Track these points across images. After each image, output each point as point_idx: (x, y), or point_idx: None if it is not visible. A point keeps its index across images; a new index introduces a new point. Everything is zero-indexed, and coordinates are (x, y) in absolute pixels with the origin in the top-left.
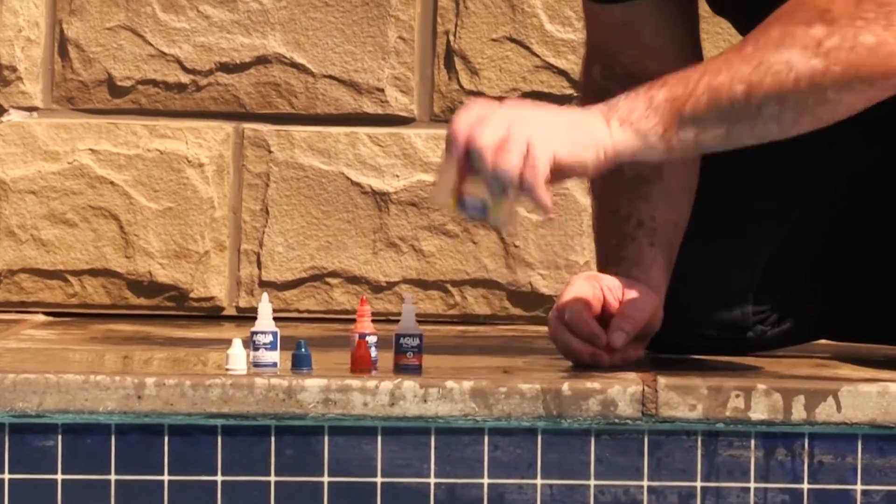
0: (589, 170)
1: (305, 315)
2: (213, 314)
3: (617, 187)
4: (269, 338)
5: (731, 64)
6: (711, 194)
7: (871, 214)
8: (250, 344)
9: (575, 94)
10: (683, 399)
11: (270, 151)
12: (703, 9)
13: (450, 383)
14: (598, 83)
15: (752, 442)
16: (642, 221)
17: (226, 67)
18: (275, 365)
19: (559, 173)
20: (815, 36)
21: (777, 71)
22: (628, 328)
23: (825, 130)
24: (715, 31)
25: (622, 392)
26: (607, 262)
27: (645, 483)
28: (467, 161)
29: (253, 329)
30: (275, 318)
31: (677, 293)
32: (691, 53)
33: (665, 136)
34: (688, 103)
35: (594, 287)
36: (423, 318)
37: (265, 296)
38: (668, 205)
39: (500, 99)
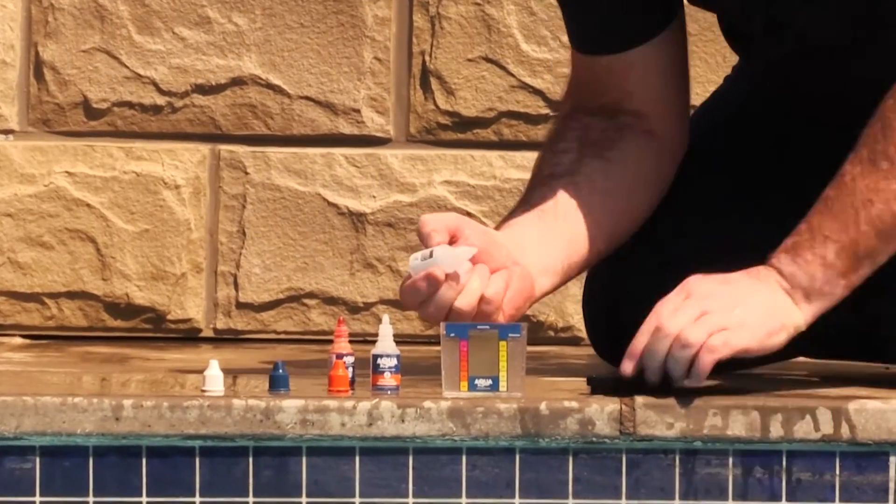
0: (777, 349)
1: (283, 336)
2: (190, 336)
3: (531, 183)
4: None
5: (878, 189)
6: (685, 209)
7: None
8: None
9: (551, 114)
10: (661, 417)
11: (247, 173)
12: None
13: (427, 403)
14: (567, 113)
15: (730, 460)
16: (529, 199)
17: (201, 89)
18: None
19: (741, 358)
20: None
21: None
22: (475, 242)
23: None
24: (690, 51)
25: (600, 411)
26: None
27: (623, 502)
28: (467, 345)
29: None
30: (251, 340)
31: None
32: (674, 94)
33: (847, 284)
34: (860, 245)
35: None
36: (401, 339)
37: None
38: (571, 193)
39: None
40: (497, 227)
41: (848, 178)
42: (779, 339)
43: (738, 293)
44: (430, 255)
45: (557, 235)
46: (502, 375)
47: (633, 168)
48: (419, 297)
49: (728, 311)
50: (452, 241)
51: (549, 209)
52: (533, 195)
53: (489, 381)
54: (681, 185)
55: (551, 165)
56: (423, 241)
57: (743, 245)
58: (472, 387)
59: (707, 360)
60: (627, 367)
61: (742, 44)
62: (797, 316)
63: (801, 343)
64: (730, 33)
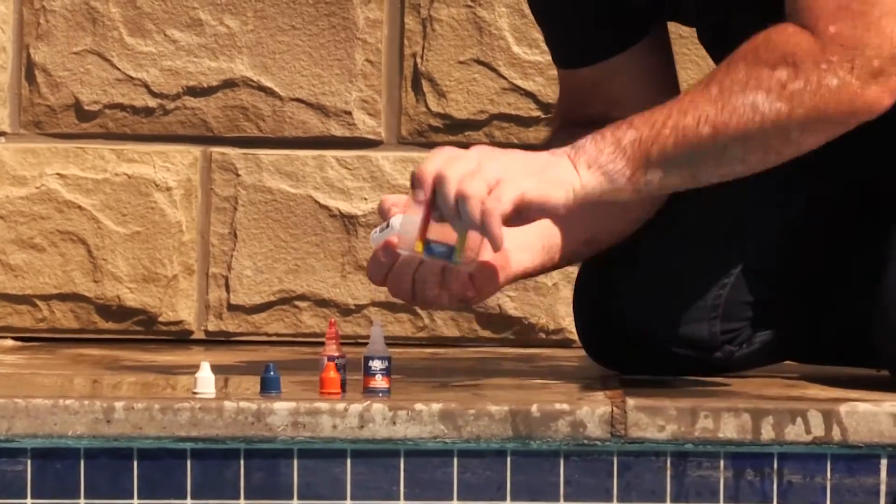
0: (558, 209)
1: (274, 338)
2: (181, 338)
3: None
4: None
5: (697, 105)
6: (676, 213)
7: (834, 238)
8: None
9: (543, 116)
10: (652, 420)
11: (238, 175)
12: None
13: (419, 405)
14: (559, 127)
15: (722, 462)
16: None
17: (193, 91)
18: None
19: (527, 211)
20: (779, 79)
21: (742, 113)
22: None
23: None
24: (682, 53)
25: (591, 413)
26: None
27: None
28: (433, 206)
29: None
30: (243, 342)
31: (644, 307)
32: (661, 99)
33: (632, 178)
34: (655, 145)
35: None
36: (392, 341)
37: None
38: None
39: (466, 146)
40: None
41: (682, 93)
42: (557, 192)
43: (520, 153)
44: (388, 227)
45: (544, 230)
46: (459, 245)
47: None
48: (382, 270)
49: (504, 163)
50: None
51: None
52: None
53: (444, 248)
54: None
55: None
56: (383, 216)
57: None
58: (428, 250)
59: (491, 223)
60: (384, 258)
61: (714, 58)
62: (575, 178)
63: (792, 347)
64: (703, 46)
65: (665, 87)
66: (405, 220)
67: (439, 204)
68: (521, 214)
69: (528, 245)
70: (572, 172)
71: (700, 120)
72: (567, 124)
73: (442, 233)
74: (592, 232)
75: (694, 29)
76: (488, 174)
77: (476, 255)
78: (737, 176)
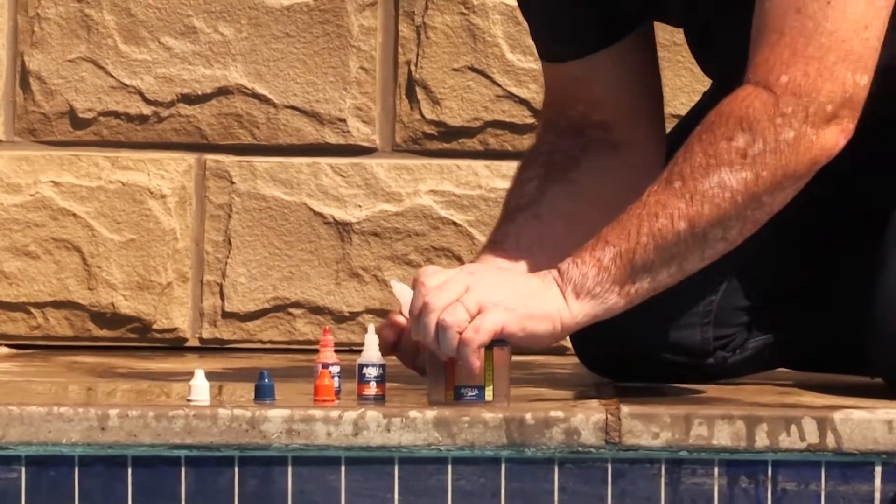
0: (542, 341)
1: (268, 346)
2: (176, 345)
3: (501, 214)
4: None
5: (665, 204)
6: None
7: (827, 244)
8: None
9: (536, 124)
10: (647, 427)
11: (232, 182)
12: (661, 36)
13: (413, 413)
14: (539, 135)
15: (716, 470)
16: (494, 240)
17: (187, 99)
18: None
19: (512, 341)
20: (738, 148)
21: (712, 195)
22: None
23: None
24: (676, 60)
25: (585, 420)
26: None
27: None
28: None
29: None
30: (237, 349)
31: (636, 313)
32: (643, 100)
33: (622, 293)
34: (636, 255)
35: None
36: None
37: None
38: (534, 225)
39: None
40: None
41: (644, 195)
42: (542, 326)
43: (507, 276)
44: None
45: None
46: (488, 385)
47: (597, 185)
48: (387, 345)
49: (490, 288)
50: None
51: (510, 247)
52: (497, 233)
53: (475, 391)
54: None
55: (516, 197)
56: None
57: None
58: (459, 396)
59: (465, 352)
60: (389, 334)
61: (699, 61)
62: (564, 309)
63: (786, 355)
64: (690, 49)
65: (647, 89)
66: (431, 371)
67: (421, 335)
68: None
69: None
70: (561, 303)
71: (673, 218)
72: (548, 131)
73: (469, 376)
74: None
75: (683, 32)
76: (470, 302)
77: (507, 393)
78: (722, 254)
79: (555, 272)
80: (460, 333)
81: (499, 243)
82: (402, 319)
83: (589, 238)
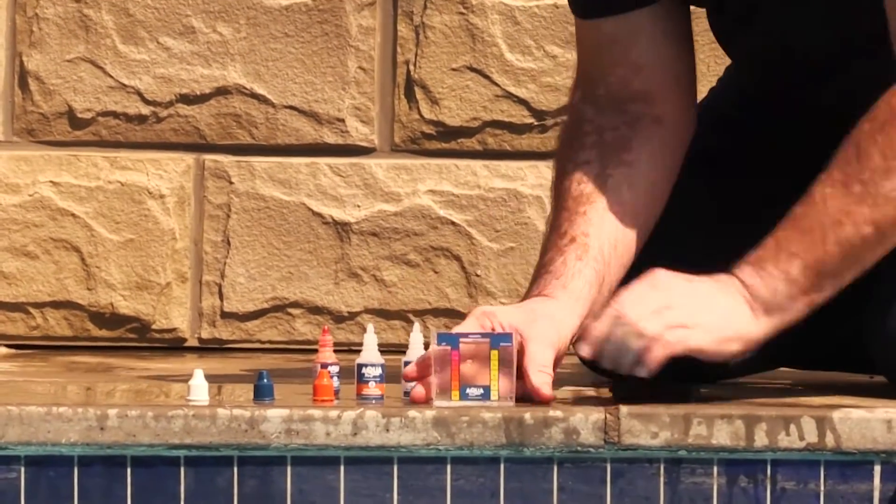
0: (729, 359)
1: (267, 346)
2: (175, 345)
3: (563, 205)
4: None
5: (849, 211)
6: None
7: None
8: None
9: (535, 123)
10: (646, 427)
11: (231, 182)
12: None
13: (412, 412)
14: (576, 107)
15: (715, 469)
16: (575, 237)
17: (186, 99)
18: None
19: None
20: None
21: (894, 197)
22: (546, 370)
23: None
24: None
25: (584, 420)
26: (535, 276)
27: None
28: (459, 353)
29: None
30: (236, 349)
31: None
32: (682, 70)
33: (808, 302)
34: (825, 264)
35: (483, 326)
36: (386, 348)
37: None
38: (607, 223)
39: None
40: (562, 283)
41: (818, 197)
42: (732, 347)
43: (701, 294)
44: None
45: (599, 280)
46: (493, 384)
47: (652, 167)
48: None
49: (689, 308)
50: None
51: (589, 249)
52: (572, 226)
53: (480, 391)
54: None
55: (577, 181)
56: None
57: (725, 253)
58: (464, 396)
59: (658, 353)
60: (584, 349)
61: (730, 43)
62: (754, 328)
63: (785, 354)
64: (717, 31)
65: (686, 57)
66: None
67: (603, 349)
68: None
69: (586, 313)
70: (751, 322)
71: (859, 224)
72: (587, 103)
73: (475, 375)
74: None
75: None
76: (671, 317)
77: (512, 393)
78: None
79: (739, 285)
80: (652, 341)
81: (581, 243)
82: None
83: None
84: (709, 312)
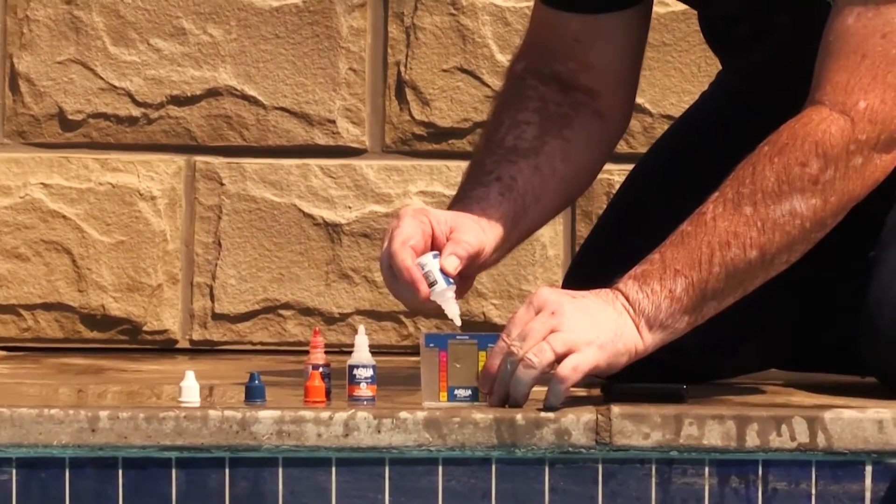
0: (618, 370)
1: (259, 347)
2: (166, 347)
3: (494, 151)
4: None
5: (737, 234)
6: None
7: (820, 249)
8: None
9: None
10: (637, 427)
11: (222, 184)
12: (651, 37)
13: (403, 413)
14: (518, 75)
15: (706, 469)
16: (501, 177)
17: (177, 100)
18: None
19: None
20: (811, 174)
21: (783, 223)
22: (461, 252)
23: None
24: (665, 60)
25: (576, 421)
26: (455, 201)
27: None
28: (446, 357)
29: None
30: (227, 351)
31: None
32: (629, 73)
33: (690, 320)
34: (708, 284)
35: (421, 222)
36: (377, 349)
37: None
38: (535, 178)
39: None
40: (465, 193)
41: (709, 216)
42: (621, 360)
43: (586, 309)
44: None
45: (515, 221)
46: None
47: (585, 151)
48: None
49: (577, 328)
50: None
51: (513, 190)
52: (502, 170)
53: (468, 392)
54: (663, 183)
55: (515, 136)
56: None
57: None
58: (452, 397)
59: (560, 389)
60: (484, 387)
61: (723, 47)
62: (640, 342)
63: (776, 355)
64: (711, 35)
65: (636, 63)
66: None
67: (483, 381)
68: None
69: (499, 248)
70: (636, 337)
71: (746, 247)
72: (532, 74)
73: (462, 376)
74: (549, 220)
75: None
76: (557, 342)
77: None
78: (779, 272)
79: (623, 300)
80: (539, 371)
81: (501, 181)
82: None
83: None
84: (596, 326)
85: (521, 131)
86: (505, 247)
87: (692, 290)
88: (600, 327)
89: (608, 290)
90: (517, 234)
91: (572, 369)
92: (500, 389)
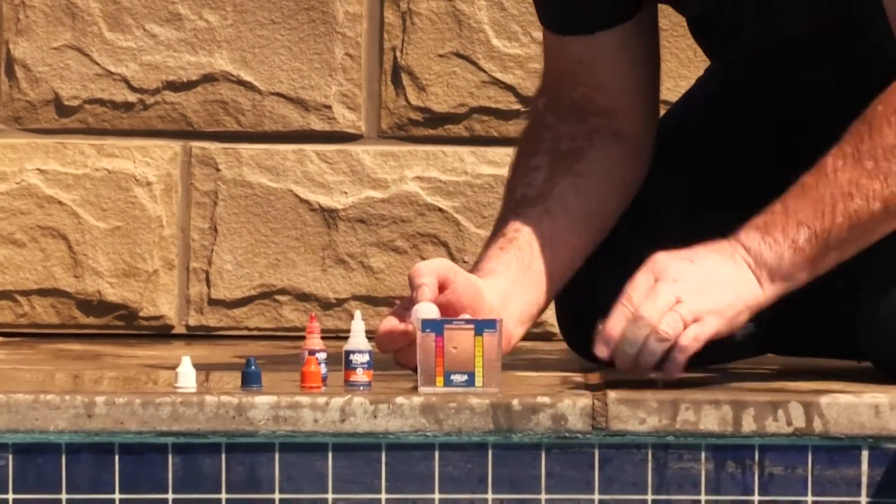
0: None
1: (255, 333)
2: (162, 333)
3: (506, 207)
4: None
5: (859, 185)
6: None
7: None
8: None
9: (523, 109)
10: (633, 412)
11: (218, 169)
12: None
13: (400, 399)
14: (539, 113)
15: (703, 454)
16: (505, 234)
17: (173, 86)
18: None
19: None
20: None
21: None
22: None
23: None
24: (662, 45)
25: (572, 406)
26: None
27: (596, 497)
28: (441, 341)
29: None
30: (223, 336)
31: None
32: (645, 88)
33: (811, 270)
34: (831, 235)
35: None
36: (373, 335)
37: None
38: (543, 224)
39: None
40: (478, 267)
41: (830, 169)
42: (742, 318)
43: (706, 272)
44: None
45: (534, 280)
46: (478, 371)
47: (604, 179)
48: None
49: (699, 295)
50: (443, 288)
51: (525, 245)
52: (508, 225)
53: (465, 377)
54: (653, 179)
55: (524, 186)
56: (413, 290)
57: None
58: (449, 382)
59: (680, 359)
60: (602, 350)
61: (709, 41)
62: (760, 295)
63: (773, 340)
64: (697, 30)
65: (649, 76)
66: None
67: (620, 342)
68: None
69: (526, 317)
70: (757, 289)
71: (869, 198)
72: (550, 110)
73: (460, 361)
74: (581, 260)
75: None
76: (686, 312)
77: (497, 379)
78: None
79: (742, 251)
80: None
81: (511, 239)
82: (403, 326)
83: (599, 233)
84: (717, 291)
85: (531, 179)
86: (536, 313)
87: (815, 241)
88: (722, 292)
89: (727, 242)
90: (549, 294)
91: (693, 339)
92: (627, 356)
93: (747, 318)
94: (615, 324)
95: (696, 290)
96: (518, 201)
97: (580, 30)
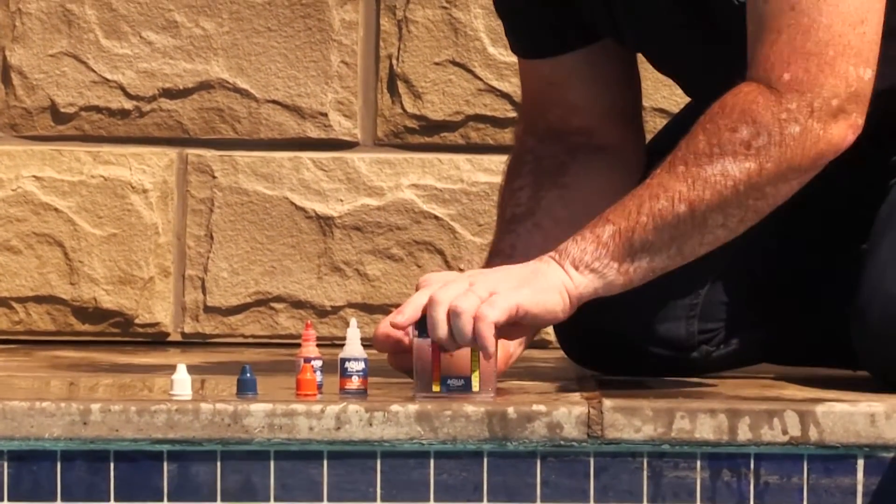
0: (557, 314)
1: (250, 340)
2: (158, 340)
3: (497, 228)
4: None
5: (667, 187)
6: None
7: (813, 241)
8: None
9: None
10: (629, 420)
11: (214, 177)
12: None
13: (395, 407)
14: (520, 139)
15: (698, 463)
16: (501, 250)
17: (169, 93)
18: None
19: (525, 320)
20: (742, 139)
21: (714, 182)
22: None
23: None
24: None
25: (568, 414)
26: None
27: None
28: (439, 345)
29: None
30: (219, 343)
31: (621, 304)
32: (624, 103)
33: (621, 269)
34: (635, 233)
35: None
36: (368, 343)
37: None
38: (535, 236)
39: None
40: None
41: (648, 178)
42: (552, 297)
43: (508, 268)
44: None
45: None
46: (475, 375)
47: (589, 189)
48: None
49: (495, 279)
50: None
51: (512, 258)
52: (501, 244)
53: (461, 382)
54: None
55: (512, 206)
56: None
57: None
58: (445, 387)
59: (482, 328)
60: (387, 327)
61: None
62: (567, 280)
63: (768, 349)
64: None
65: (625, 91)
66: (416, 364)
67: (430, 328)
68: (521, 324)
69: (525, 334)
70: (562, 274)
71: (674, 200)
72: (529, 135)
73: (457, 366)
74: None
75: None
76: (480, 290)
77: (493, 384)
78: (722, 242)
79: (552, 253)
80: (475, 313)
81: (506, 255)
82: (397, 332)
83: None
84: (514, 276)
85: (517, 198)
86: (534, 331)
87: (619, 237)
88: (518, 275)
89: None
90: None
91: (491, 305)
92: (440, 334)
93: (560, 301)
94: (407, 307)
95: (493, 276)
96: (508, 221)
97: (545, 52)
